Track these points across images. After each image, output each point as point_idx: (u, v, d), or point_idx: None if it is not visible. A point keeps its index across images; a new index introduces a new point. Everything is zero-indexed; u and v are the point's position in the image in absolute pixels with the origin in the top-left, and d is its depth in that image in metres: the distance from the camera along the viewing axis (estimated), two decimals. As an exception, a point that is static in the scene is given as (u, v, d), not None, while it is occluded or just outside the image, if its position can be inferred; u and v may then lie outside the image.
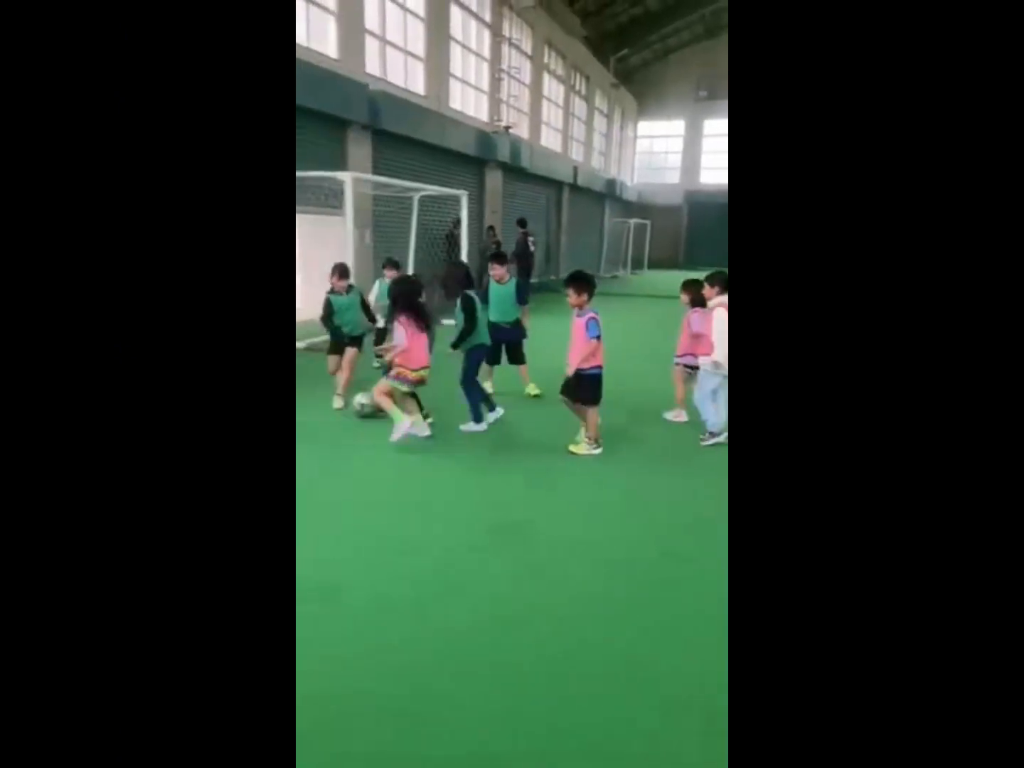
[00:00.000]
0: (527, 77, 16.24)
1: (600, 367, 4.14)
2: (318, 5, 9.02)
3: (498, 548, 2.97)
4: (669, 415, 5.17)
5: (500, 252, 6.29)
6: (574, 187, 19.54)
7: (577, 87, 20.34)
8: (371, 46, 10.22)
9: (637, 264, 22.33)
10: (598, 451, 4.24)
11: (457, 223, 10.82)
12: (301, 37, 8.70)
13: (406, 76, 11.34)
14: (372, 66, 10.26)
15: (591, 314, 4.07)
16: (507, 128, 14.56)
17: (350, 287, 5.18)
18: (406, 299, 4.30)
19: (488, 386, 5.55)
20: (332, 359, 5.24)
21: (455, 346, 4.64)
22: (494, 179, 14.49)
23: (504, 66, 14.70)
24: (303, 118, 8.61)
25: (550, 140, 18.37)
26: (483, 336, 4.77)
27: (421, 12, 11.47)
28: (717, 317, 4.21)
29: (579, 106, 20.77)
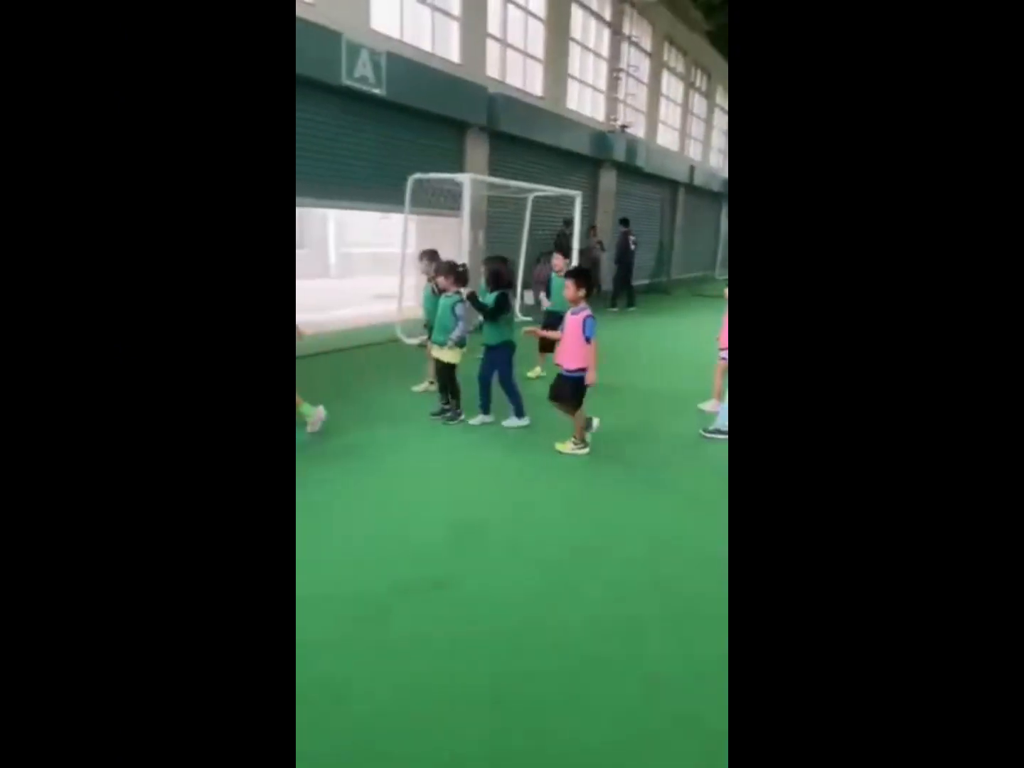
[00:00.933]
0: (645, 75, 15.94)
1: (584, 369, 4.04)
2: (443, 12, 9.30)
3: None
4: (704, 406, 5.24)
5: (564, 245, 6.84)
6: (690, 187, 18.97)
7: (697, 84, 19.74)
8: (492, 49, 10.43)
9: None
10: (584, 451, 4.18)
11: (568, 223, 10.80)
12: (426, 44, 9.02)
13: (524, 78, 11.46)
14: (492, 69, 10.46)
15: (586, 312, 4.00)
16: (623, 127, 14.38)
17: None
18: None
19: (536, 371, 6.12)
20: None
21: (484, 311, 4.57)
22: (608, 179, 14.35)
23: (623, 64, 14.52)
24: (427, 122, 8.93)
25: (667, 139, 17.94)
26: (513, 335, 4.69)
27: (542, 14, 11.55)
28: None
29: (698, 103, 20.14)
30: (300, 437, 4.15)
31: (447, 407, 4.74)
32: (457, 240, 7.25)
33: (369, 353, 7.00)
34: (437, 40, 9.26)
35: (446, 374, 4.69)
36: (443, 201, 7.86)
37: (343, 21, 7.32)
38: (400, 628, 2.31)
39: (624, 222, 12.28)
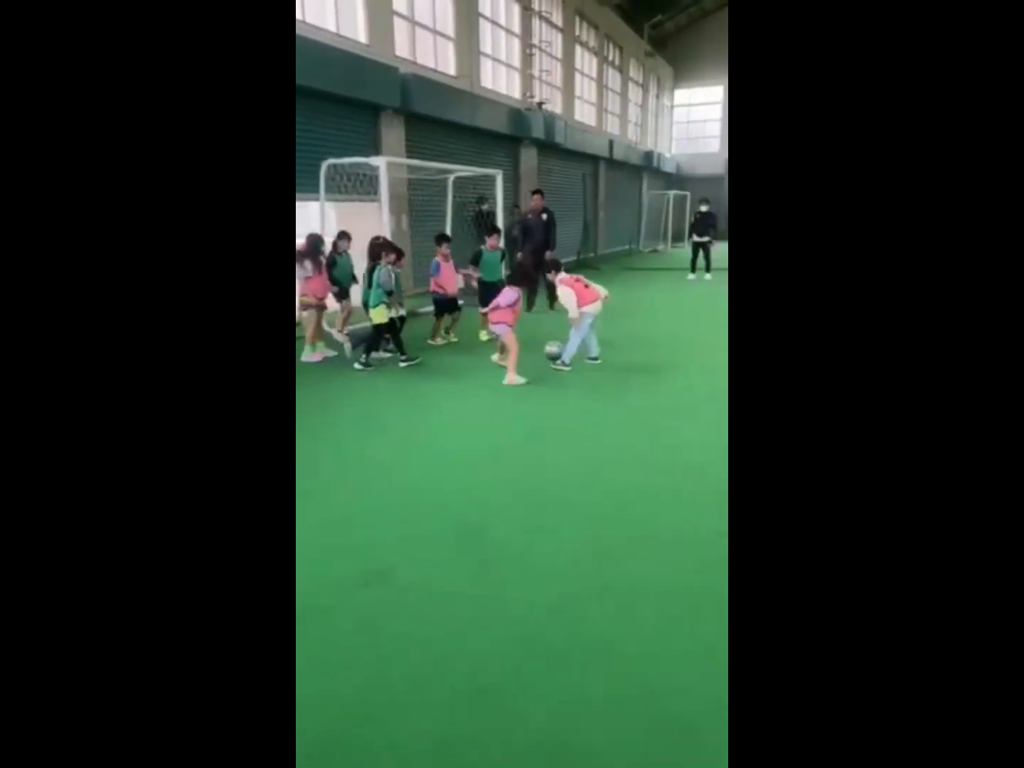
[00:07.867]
0: (559, 51, 15.94)
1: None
2: (346, -10, 9.01)
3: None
4: None
5: (495, 225, 7.73)
6: (610, 161, 19.19)
7: (610, 58, 19.89)
8: (400, 28, 10.18)
9: (678, 237, 21.81)
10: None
11: (480, 200, 10.59)
12: (331, 25, 8.72)
13: (436, 57, 11.26)
14: (402, 49, 10.22)
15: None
16: (540, 104, 14.36)
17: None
18: None
19: (483, 335, 7.08)
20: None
21: None
22: (529, 157, 14.34)
23: (535, 40, 14.46)
24: (336, 106, 8.66)
25: (584, 114, 18.05)
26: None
27: (449, -10, 11.36)
28: None
29: (613, 77, 20.31)
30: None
31: None
32: (379, 225, 7.10)
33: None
34: (342, 20, 8.97)
35: None
36: (361, 187, 7.67)
37: (239, 2, 6.98)
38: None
39: (539, 193, 9.25)
